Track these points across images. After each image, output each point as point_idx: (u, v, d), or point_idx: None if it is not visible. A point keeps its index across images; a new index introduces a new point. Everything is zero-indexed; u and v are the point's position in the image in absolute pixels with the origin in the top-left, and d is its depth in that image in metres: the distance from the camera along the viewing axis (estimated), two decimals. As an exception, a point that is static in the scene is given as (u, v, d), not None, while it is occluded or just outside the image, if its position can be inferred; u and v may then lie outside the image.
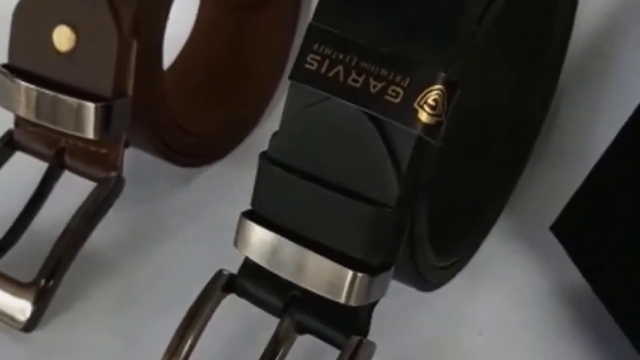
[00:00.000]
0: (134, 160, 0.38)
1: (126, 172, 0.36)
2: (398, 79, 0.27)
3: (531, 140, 0.39)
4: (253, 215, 0.29)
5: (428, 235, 0.31)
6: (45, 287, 0.34)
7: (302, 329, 0.30)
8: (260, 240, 0.29)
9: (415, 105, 0.27)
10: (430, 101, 0.27)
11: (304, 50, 0.29)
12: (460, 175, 0.37)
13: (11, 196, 0.37)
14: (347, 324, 0.29)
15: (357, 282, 0.28)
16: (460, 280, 0.36)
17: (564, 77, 0.39)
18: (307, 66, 0.28)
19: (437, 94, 0.27)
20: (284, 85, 0.29)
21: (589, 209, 0.34)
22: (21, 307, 0.34)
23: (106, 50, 0.34)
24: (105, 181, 0.36)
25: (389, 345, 0.31)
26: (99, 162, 0.36)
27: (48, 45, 0.35)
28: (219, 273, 0.31)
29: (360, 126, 0.28)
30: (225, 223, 0.31)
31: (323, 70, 0.28)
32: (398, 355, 0.34)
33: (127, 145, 0.36)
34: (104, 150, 0.36)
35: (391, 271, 0.29)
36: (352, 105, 0.28)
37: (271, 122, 0.30)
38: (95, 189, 0.36)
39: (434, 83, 0.27)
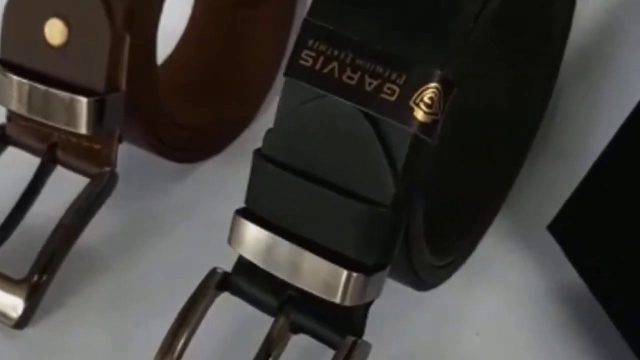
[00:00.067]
0: (128, 155, 0.38)
1: (120, 168, 0.36)
2: (394, 76, 0.27)
3: (529, 139, 0.38)
4: (247, 213, 0.29)
5: (424, 234, 0.31)
6: (37, 283, 0.34)
7: (296, 329, 0.29)
8: (254, 238, 0.29)
9: (411, 104, 0.27)
10: (426, 99, 0.27)
11: (299, 46, 0.28)
12: (457, 174, 0.37)
13: (3, 191, 0.36)
14: (342, 323, 0.29)
15: (352, 281, 0.28)
16: (456, 279, 0.36)
17: (562, 76, 0.39)
18: (302, 62, 0.28)
19: (433, 92, 0.27)
20: (280, 81, 0.29)
21: (587, 209, 0.33)
22: (13, 304, 0.34)
23: (99, 44, 0.34)
24: (98, 177, 0.35)
25: (385, 346, 0.31)
26: (92, 157, 0.35)
27: (40, 39, 0.34)
28: (213, 271, 0.30)
29: (356, 124, 0.27)
30: (220, 220, 0.30)
31: (318, 66, 0.28)
32: (394, 355, 0.33)
33: (120, 140, 0.36)
34: (97, 146, 0.35)
35: (386, 271, 0.29)
36: (347, 102, 0.27)
37: (267, 118, 0.30)
38: (89, 185, 0.35)
39: (430, 81, 0.27)
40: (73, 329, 0.34)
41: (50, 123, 0.35)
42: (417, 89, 0.27)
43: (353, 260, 0.28)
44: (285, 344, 0.29)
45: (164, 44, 0.39)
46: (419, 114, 0.27)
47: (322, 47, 0.28)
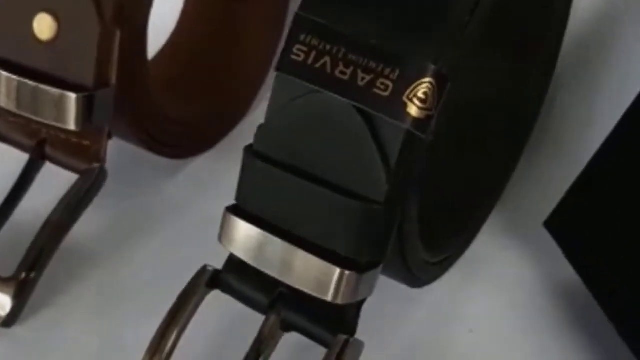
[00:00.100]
0: (118, 151, 0.38)
1: (109, 164, 0.35)
2: (387, 71, 0.27)
3: (525, 135, 0.38)
4: (238, 210, 0.29)
5: (419, 231, 0.31)
6: (25, 281, 0.33)
7: (288, 327, 0.29)
8: (245, 236, 0.28)
9: (405, 99, 0.26)
10: (420, 94, 0.26)
11: (290, 40, 0.28)
12: (452, 169, 0.37)
13: (-9, 188, 0.36)
14: (334, 322, 0.29)
15: (345, 280, 0.27)
16: (451, 276, 0.35)
17: (560, 70, 0.38)
18: (294, 57, 0.28)
19: (427, 87, 0.26)
20: (273, 76, 0.29)
21: (584, 205, 0.33)
22: (0, 302, 0.33)
23: (88, 39, 0.33)
24: (87, 173, 0.35)
25: (378, 343, 0.31)
26: (81, 153, 0.35)
27: (29, 34, 0.34)
28: (203, 269, 0.30)
29: (348, 120, 0.27)
30: (211, 216, 0.30)
31: (310, 61, 0.27)
32: (387, 353, 0.33)
33: (110, 136, 0.35)
34: (86, 142, 0.35)
35: (379, 269, 0.28)
36: (339, 98, 0.27)
37: (260, 113, 0.30)
38: (78, 181, 0.35)
39: (424, 76, 0.26)
40: (62, 328, 0.34)
41: (39, 119, 0.34)
42: (411, 84, 0.26)
43: (345, 258, 0.27)
44: (277, 343, 0.29)
45: (155, 39, 0.39)
46: (413, 110, 0.26)
47: (314, 42, 0.28)
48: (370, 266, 0.28)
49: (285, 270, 0.28)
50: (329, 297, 0.28)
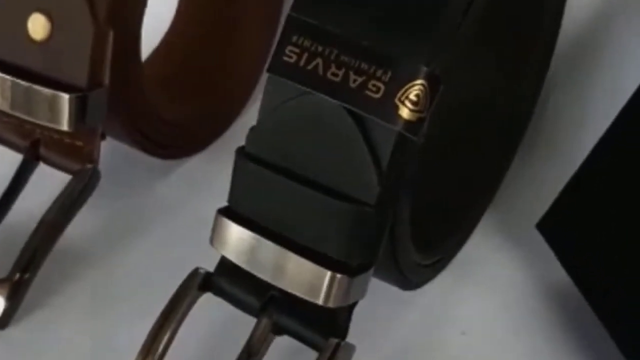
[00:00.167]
0: (111, 152, 0.37)
1: (103, 165, 0.35)
2: (379, 73, 0.27)
3: (518, 135, 0.38)
4: (229, 212, 0.29)
5: (411, 233, 0.30)
6: (19, 282, 0.33)
7: (279, 330, 0.29)
8: (236, 239, 0.28)
9: (396, 101, 0.26)
10: (411, 97, 0.26)
11: (282, 42, 0.28)
12: (444, 170, 0.36)
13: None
14: (326, 325, 0.28)
15: (336, 283, 0.27)
16: (443, 278, 0.35)
17: (553, 72, 0.38)
18: (285, 59, 0.27)
19: (419, 89, 0.26)
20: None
21: (576, 207, 0.33)
22: (-6, 303, 0.33)
23: (81, 39, 0.33)
24: (80, 174, 0.35)
25: (370, 346, 0.31)
26: (75, 154, 0.35)
27: (23, 34, 0.34)
28: (195, 272, 0.30)
29: (340, 122, 0.27)
30: (205, 217, 0.30)
31: (302, 63, 0.27)
32: (380, 355, 0.33)
33: (103, 137, 0.35)
34: (79, 143, 0.35)
35: (371, 272, 0.28)
36: (331, 100, 0.27)
37: (254, 114, 0.30)
38: (71, 182, 0.35)
39: (416, 78, 0.26)
40: (55, 328, 0.34)
41: (32, 119, 0.34)
42: (403, 86, 0.26)
43: (337, 261, 0.27)
44: (268, 346, 0.29)
45: (149, 39, 0.39)
46: (404, 112, 0.26)
47: (307, 43, 0.27)
48: (362, 269, 0.28)
49: (276, 274, 0.28)
50: (320, 301, 0.27)
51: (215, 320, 0.33)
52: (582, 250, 0.33)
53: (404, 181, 0.28)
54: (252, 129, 0.28)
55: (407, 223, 0.30)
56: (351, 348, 0.28)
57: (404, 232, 0.30)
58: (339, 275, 0.27)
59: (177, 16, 0.43)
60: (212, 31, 0.42)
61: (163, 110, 0.38)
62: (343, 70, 0.27)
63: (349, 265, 0.28)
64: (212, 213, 0.29)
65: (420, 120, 0.27)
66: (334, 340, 0.28)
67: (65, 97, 0.33)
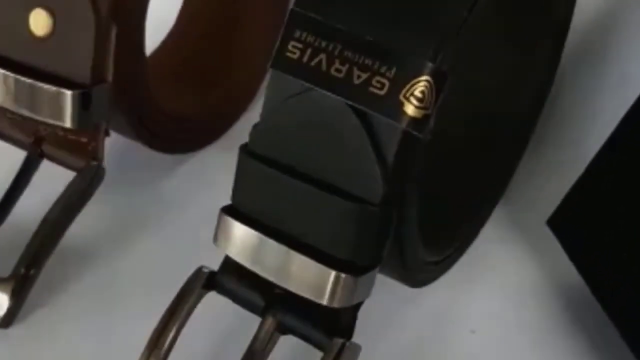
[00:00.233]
0: (117, 148, 0.37)
1: (108, 161, 0.35)
2: (383, 69, 0.26)
3: (528, 132, 0.38)
4: (233, 211, 0.28)
5: (419, 231, 0.30)
6: (22, 280, 0.33)
7: (284, 329, 0.29)
8: (240, 238, 0.28)
9: (401, 98, 0.26)
10: (417, 93, 0.26)
11: (285, 37, 0.27)
12: (453, 168, 0.36)
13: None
14: (331, 325, 0.28)
15: (341, 283, 0.27)
16: (452, 275, 0.35)
17: (564, 65, 0.38)
18: (289, 54, 0.27)
19: (424, 85, 0.26)
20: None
21: (586, 204, 0.33)
22: (-2, 302, 0.33)
23: (83, 34, 0.33)
24: (85, 171, 0.35)
25: (377, 345, 0.31)
26: (79, 151, 0.35)
27: (25, 29, 0.33)
28: (199, 270, 0.30)
29: (344, 119, 0.26)
30: (211, 213, 0.29)
31: (305, 59, 0.27)
32: (387, 354, 0.33)
33: (107, 133, 0.35)
34: (83, 139, 0.35)
35: (376, 271, 0.28)
36: (335, 96, 0.26)
37: (260, 109, 0.30)
38: (75, 179, 0.35)
39: (422, 74, 0.26)
40: (59, 328, 0.33)
41: (35, 116, 0.34)
42: (408, 83, 0.26)
43: (341, 261, 0.27)
44: (273, 345, 0.29)
45: (156, 34, 0.39)
46: (409, 109, 0.26)
47: (310, 39, 0.27)
48: (367, 269, 0.27)
49: (280, 273, 0.28)
50: (324, 301, 0.27)
51: (221, 319, 0.32)
52: (592, 248, 0.33)
53: (410, 179, 0.27)
54: (255, 126, 0.28)
55: (414, 222, 0.29)
56: (357, 348, 0.28)
57: (410, 231, 0.29)
58: (343, 275, 0.27)
59: (183, 10, 0.42)
60: (219, 25, 0.42)
61: (169, 106, 0.38)
62: (347, 66, 0.26)
63: (354, 264, 0.27)
64: (218, 209, 0.29)
65: (425, 117, 0.26)
66: (339, 341, 0.28)
67: (68, 93, 0.33)
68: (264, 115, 0.28)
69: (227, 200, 0.29)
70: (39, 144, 0.35)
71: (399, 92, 0.26)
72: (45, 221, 0.34)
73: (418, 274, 0.32)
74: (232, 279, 0.29)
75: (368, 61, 0.26)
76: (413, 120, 0.26)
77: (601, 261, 0.32)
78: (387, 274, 0.31)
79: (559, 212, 0.33)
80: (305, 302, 0.28)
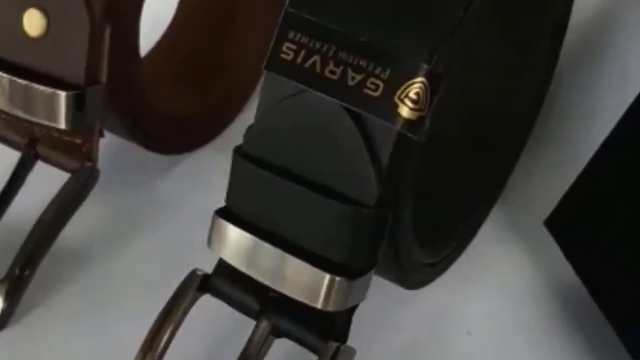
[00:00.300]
0: (111, 148, 0.37)
1: (102, 162, 0.35)
2: (378, 70, 0.26)
3: (526, 132, 0.37)
4: (227, 213, 0.28)
5: (415, 232, 0.30)
6: (16, 282, 0.33)
7: (279, 333, 0.29)
8: (235, 240, 0.28)
9: (396, 99, 0.26)
10: (411, 95, 0.26)
11: (279, 38, 0.27)
12: (449, 169, 0.36)
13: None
14: (325, 328, 0.28)
15: (335, 286, 0.27)
16: (448, 277, 0.35)
17: (560, 67, 0.38)
18: (283, 56, 0.27)
19: (419, 87, 0.26)
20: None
21: (584, 205, 0.33)
22: (-8, 304, 0.33)
23: (77, 35, 0.33)
24: (79, 172, 0.35)
25: (372, 347, 0.30)
26: (73, 152, 0.35)
27: (19, 30, 0.33)
28: (193, 273, 0.29)
29: (338, 121, 0.26)
30: (206, 214, 0.29)
31: (299, 60, 0.27)
32: (382, 357, 0.32)
33: (102, 134, 0.35)
34: (77, 140, 0.35)
35: (371, 274, 0.28)
36: (329, 98, 0.26)
37: (255, 110, 0.30)
38: (69, 180, 0.35)
39: (416, 75, 0.26)
40: (54, 328, 0.33)
41: (30, 117, 0.34)
42: (402, 84, 0.26)
43: (336, 264, 0.27)
44: (268, 348, 0.29)
45: (151, 34, 0.39)
46: (404, 111, 0.26)
47: (304, 40, 0.27)
48: (362, 272, 0.27)
49: (275, 277, 0.27)
50: (319, 305, 0.27)
51: (215, 322, 0.32)
52: (589, 248, 0.32)
53: (405, 181, 0.27)
54: (249, 128, 0.28)
55: (409, 223, 0.29)
56: (351, 352, 0.28)
57: (406, 233, 0.29)
58: (338, 279, 0.27)
59: (179, 11, 0.42)
60: (214, 27, 0.42)
61: (164, 106, 0.38)
62: (341, 67, 0.26)
63: (349, 268, 0.27)
64: (213, 210, 0.29)
65: (420, 119, 0.26)
66: (334, 344, 0.28)
67: (62, 94, 0.33)
68: (258, 117, 0.28)
69: (222, 201, 0.29)
70: (33, 145, 0.35)
71: (394, 93, 0.26)
72: (39, 222, 0.34)
73: (414, 276, 0.32)
74: (226, 281, 0.29)
75: (362, 62, 0.26)
76: (408, 122, 0.26)
77: (598, 261, 0.32)
78: (382, 276, 0.30)
79: (556, 213, 0.33)
80: (299, 305, 0.27)
